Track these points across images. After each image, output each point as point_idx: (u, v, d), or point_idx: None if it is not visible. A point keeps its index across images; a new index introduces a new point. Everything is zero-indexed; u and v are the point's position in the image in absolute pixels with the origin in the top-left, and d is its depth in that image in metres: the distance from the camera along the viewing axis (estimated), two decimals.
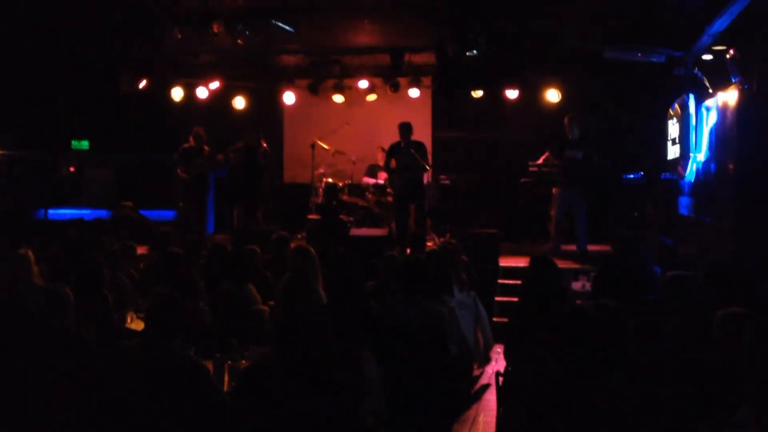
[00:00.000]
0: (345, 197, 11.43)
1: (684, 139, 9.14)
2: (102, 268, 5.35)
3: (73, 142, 14.08)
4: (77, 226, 9.12)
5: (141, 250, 8.04)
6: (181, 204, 11.07)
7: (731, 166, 7.26)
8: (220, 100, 12.87)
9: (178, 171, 10.71)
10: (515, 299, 5.67)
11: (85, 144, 14.13)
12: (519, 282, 6.74)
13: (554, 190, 9.64)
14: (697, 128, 8.75)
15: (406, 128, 10.03)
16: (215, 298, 5.56)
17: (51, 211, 11.98)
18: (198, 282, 5.67)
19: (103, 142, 13.86)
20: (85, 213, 11.40)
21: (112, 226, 10.15)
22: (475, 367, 6.45)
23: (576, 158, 9.41)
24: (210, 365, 3.80)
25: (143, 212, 11.63)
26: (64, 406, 3.36)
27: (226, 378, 3.94)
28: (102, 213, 11.42)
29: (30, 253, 5.57)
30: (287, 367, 3.32)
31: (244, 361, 3.97)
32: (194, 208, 10.86)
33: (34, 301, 4.18)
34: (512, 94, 11.69)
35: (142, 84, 12.14)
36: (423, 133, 11.88)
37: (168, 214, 11.89)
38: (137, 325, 5.19)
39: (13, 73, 11.26)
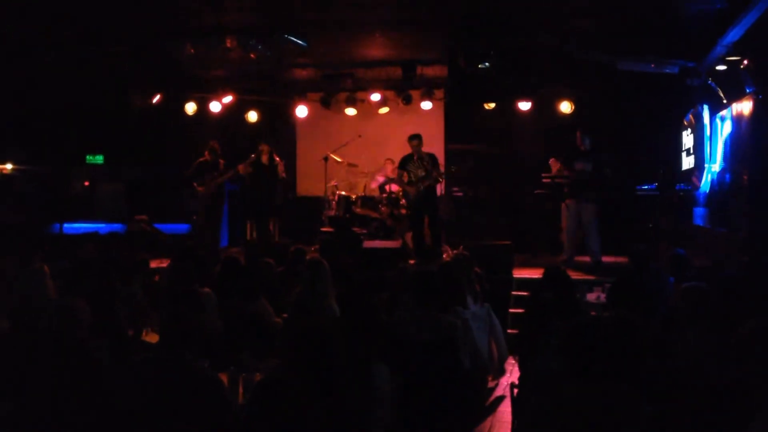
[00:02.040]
0: (358, 210, 11.44)
1: (698, 150, 9.11)
2: (116, 282, 5.37)
3: (87, 156, 14.18)
4: (92, 241, 9.17)
5: (155, 264, 8.07)
6: (195, 218, 11.11)
7: (745, 177, 7.22)
8: (233, 114, 12.94)
9: (194, 185, 10.77)
10: None
11: (99, 159, 14.23)
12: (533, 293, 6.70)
13: (566, 202, 9.61)
14: (712, 139, 8.72)
15: (417, 141, 10.04)
16: (229, 311, 5.56)
17: (65, 226, 12.04)
18: (211, 296, 5.67)
19: (117, 156, 13.95)
20: (100, 227, 11.47)
21: (127, 240, 10.19)
22: (490, 379, 6.42)
23: (587, 170, 9.38)
24: (224, 378, 3.80)
25: (157, 226, 11.68)
26: (78, 420, 3.36)
27: (240, 391, 3.93)
28: (116, 227, 11.47)
29: (45, 268, 5.61)
30: (300, 379, 3.31)
31: (258, 374, 3.96)
32: (209, 221, 10.91)
33: (48, 316, 4.21)
34: (524, 106, 11.69)
35: (156, 99, 12.22)
36: (435, 146, 11.90)
37: (182, 228, 11.93)
38: (152, 339, 5.20)
39: (28, 89, 11.37)
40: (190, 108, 12.65)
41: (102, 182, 14.19)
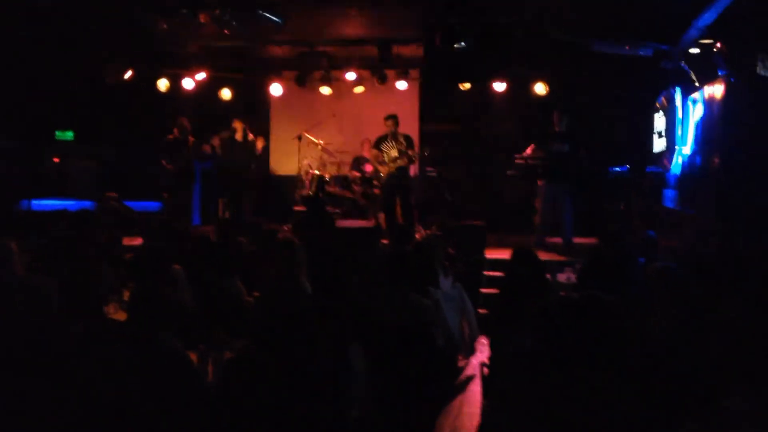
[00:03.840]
0: (331, 189, 11.43)
1: (670, 132, 9.18)
2: (87, 260, 5.31)
3: (57, 132, 13.94)
4: (61, 218, 9.04)
5: (126, 242, 7.99)
6: (165, 195, 11.02)
7: (716, 160, 7.30)
8: (207, 91, 12.79)
9: (163, 162, 10.68)
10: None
11: (69, 135, 13.99)
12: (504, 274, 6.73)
13: (540, 183, 9.65)
14: (684, 121, 8.79)
15: (393, 120, 10.05)
16: (200, 289, 5.52)
17: (35, 203, 11.86)
18: (181, 273, 5.63)
19: (88, 133, 13.73)
20: (70, 204, 11.29)
21: (97, 218, 10.07)
22: (461, 358, 6.45)
23: (563, 151, 9.43)
24: (194, 356, 3.78)
25: (128, 203, 11.56)
26: (47, 400, 3.33)
27: (210, 369, 3.92)
28: (87, 204, 11.31)
29: (13, 245, 5.52)
30: (272, 358, 3.30)
31: (227, 353, 3.95)
32: (179, 199, 10.83)
33: (16, 294, 4.15)
34: (500, 87, 11.70)
35: (128, 75, 12.04)
36: (410, 126, 11.88)
37: (153, 206, 11.82)
38: (120, 317, 5.14)
39: None
40: (163, 84, 12.49)
41: (72, 159, 13.97)
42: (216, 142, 10.90)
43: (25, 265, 5.48)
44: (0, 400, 3.33)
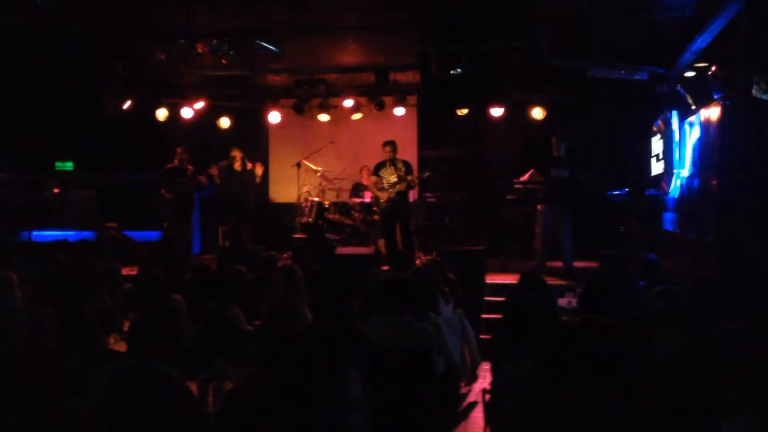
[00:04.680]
0: (331, 216, 11.44)
1: (668, 156, 9.20)
2: (84, 290, 5.30)
3: (57, 163, 13.98)
4: (61, 248, 9.04)
5: (125, 272, 7.98)
6: (165, 224, 11.03)
7: (714, 182, 7.30)
8: (205, 119, 12.84)
9: (163, 191, 10.71)
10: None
11: (69, 165, 14.03)
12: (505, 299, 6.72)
13: (539, 207, 9.66)
14: (681, 144, 8.81)
15: (391, 147, 10.09)
16: (200, 318, 5.51)
17: (35, 233, 11.87)
18: (181, 303, 5.62)
19: (88, 163, 13.77)
20: (70, 234, 11.31)
21: (97, 248, 10.06)
22: (463, 384, 6.42)
23: (562, 176, 9.45)
24: (194, 386, 3.76)
25: (128, 233, 11.57)
26: (46, 428, 3.31)
27: (210, 399, 3.89)
28: (86, 234, 11.32)
29: (13, 276, 5.52)
30: (272, 387, 3.29)
31: (228, 382, 3.92)
32: (179, 228, 10.84)
33: (15, 324, 4.13)
34: (497, 112, 11.74)
35: (127, 104, 12.10)
36: (409, 152, 11.93)
37: (153, 235, 11.82)
38: (121, 347, 5.13)
39: None
40: (162, 114, 12.54)
41: (72, 189, 13.99)
42: (214, 171, 10.93)
43: (25, 296, 5.48)
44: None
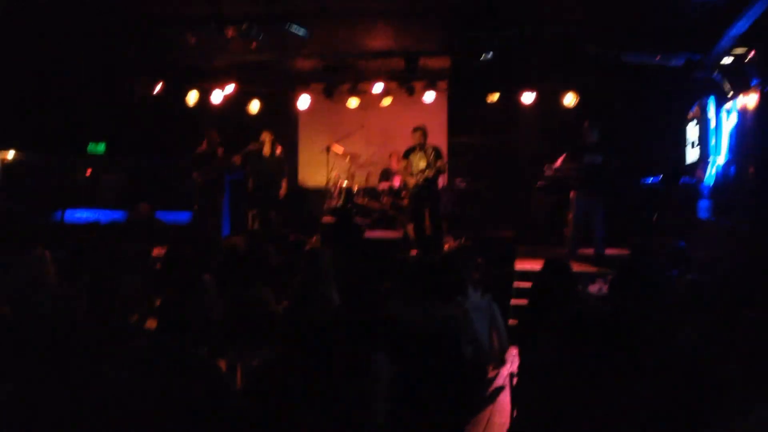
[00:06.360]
0: (360, 200, 11.44)
1: (703, 143, 9.06)
2: (115, 270, 5.35)
3: (89, 145, 14.14)
4: (93, 229, 9.15)
5: (156, 252, 8.05)
6: (195, 207, 11.10)
7: (751, 170, 7.18)
8: (235, 104, 12.88)
9: (193, 174, 10.77)
10: None
11: (101, 147, 14.18)
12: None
13: (572, 194, 9.56)
14: (717, 131, 8.67)
15: (421, 132, 10.04)
16: (228, 299, 5.54)
17: (67, 214, 12.02)
18: (211, 283, 5.65)
19: (119, 145, 13.91)
20: (101, 216, 11.44)
21: (128, 229, 10.17)
22: (490, 369, 6.40)
23: (595, 163, 9.33)
24: (223, 364, 3.78)
25: (158, 215, 11.67)
26: (75, 404, 3.34)
27: (239, 377, 3.91)
28: (117, 215, 11.45)
29: (47, 254, 5.60)
30: (299, 367, 3.29)
31: (256, 361, 3.94)
32: (209, 211, 10.90)
33: (48, 301, 4.19)
34: (528, 98, 11.63)
35: (157, 88, 12.19)
36: (439, 137, 11.86)
37: (183, 217, 11.92)
38: (150, 326, 5.17)
39: (30, 78, 11.34)
40: (192, 98, 12.61)
41: (103, 171, 14.16)
42: (244, 154, 10.95)
43: (57, 274, 5.55)
44: (27, 402, 3.35)
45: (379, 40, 11.11)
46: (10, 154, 13.44)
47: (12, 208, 12.36)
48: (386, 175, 11.99)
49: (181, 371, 3.38)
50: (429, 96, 12.32)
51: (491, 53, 10.06)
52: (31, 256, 5.52)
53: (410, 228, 10.52)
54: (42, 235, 9.25)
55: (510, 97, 11.89)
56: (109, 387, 3.43)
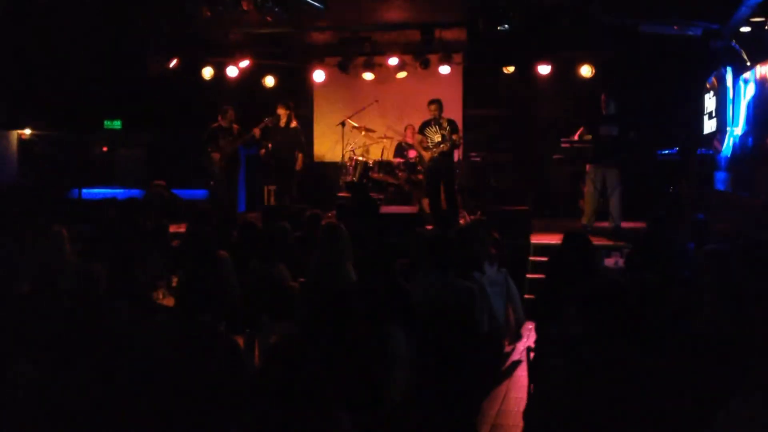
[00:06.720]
0: (375, 175, 11.42)
1: (721, 113, 8.97)
2: (134, 247, 5.40)
3: (105, 122, 14.20)
4: (110, 206, 9.21)
5: (173, 229, 8.10)
6: (212, 183, 11.14)
7: None
8: (251, 79, 12.88)
9: (209, 150, 10.79)
10: None
11: (117, 124, 14.24)
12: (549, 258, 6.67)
13: (588, 167, 9.50)
14: (735, 102, 8.57)
15: (436, 105, 9.99)
16: (246, 275, 5.58)
17: (84, 191, 12.11)
18: (228, 260, 5.69)
19: (135, 121, 13.96)
20: (118, 192, 11.52)
21: (145, 205, 10.24)
22: (506, 343, 6.42)
23: (612, 135, 9.24)
24: (240, 340, 3.82)
25: (175, 191, 11.72)
26: (96, 380, 3.40)
27: (256, 353, 3.96)
28: (135, 192, 11.52)
29: (64, 231, 5.66)
30: (316, 343, 3.32)
31: (273, 337, 3.98)
32: (225, 186, 10.93)
33: (66, 278, 4.23)
34: (544, 69, 11.53)
35: (173, 63, 12.19)
36: (454, 110, 11.79)
37: (200, 193, 11.98)
38: (169, 302, 5.23)
39: (46, 55, 11.37)
40: (207, 72, 12.62)
41: (120, 147, 14.23)
42: (262, 128, 10.94)
43: (75, 251, 5.61)
44: (50, 377, 3.41)
45: (395, 12, 11.02)
46: (27, 131, 13.54)
47: (29, 185, 12.48)
48: (401, 149, 11.96)
49: (199, 347, 3.42)
50: (444, 69, 12.25)
51: (508, 24, 9.95)
52: (49, 233, 5.58)
53: (426, 202, 10.51)
54: (59, 212, 9.32)
55: (526, 69, 11.79)
56: (128, 363, 3.48)
